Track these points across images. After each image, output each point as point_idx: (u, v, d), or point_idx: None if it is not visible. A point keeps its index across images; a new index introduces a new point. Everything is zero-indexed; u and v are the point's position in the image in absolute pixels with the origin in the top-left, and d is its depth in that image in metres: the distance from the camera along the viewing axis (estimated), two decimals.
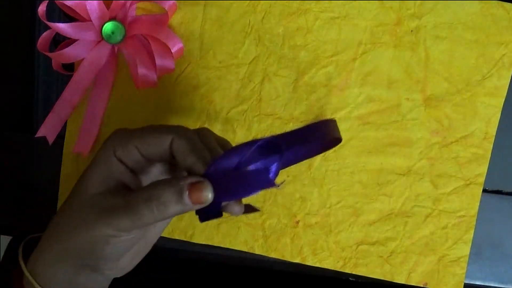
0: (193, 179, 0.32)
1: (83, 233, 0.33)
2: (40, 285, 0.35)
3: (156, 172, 0.37)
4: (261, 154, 0.32)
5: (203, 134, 0.35)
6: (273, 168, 0.31)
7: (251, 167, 0.31)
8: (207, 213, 0.33)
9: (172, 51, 0.43)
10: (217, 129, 0.46)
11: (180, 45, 0.43)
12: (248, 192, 0.31)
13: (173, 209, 0.32)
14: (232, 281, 0.51)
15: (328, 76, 0.45)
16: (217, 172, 0.31)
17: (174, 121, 0.46)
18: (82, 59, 0.43)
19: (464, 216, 0.46)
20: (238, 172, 0.31)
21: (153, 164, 0.36)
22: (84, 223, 0.33)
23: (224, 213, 0.33)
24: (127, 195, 0.33)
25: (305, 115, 0.45)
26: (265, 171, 0.31)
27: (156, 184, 0.32)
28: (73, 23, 0.43)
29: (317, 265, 0.47)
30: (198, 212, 0.33)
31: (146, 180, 0.37)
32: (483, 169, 0.45)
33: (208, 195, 0.31)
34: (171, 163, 0.37)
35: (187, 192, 0.31)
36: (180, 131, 0.33)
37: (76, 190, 0.35)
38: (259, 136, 0.46)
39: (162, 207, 0.31)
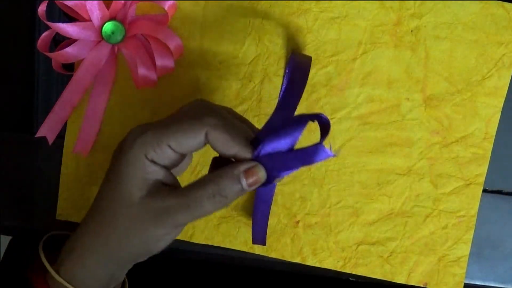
0: (246, 166, 0.33)
1: (136, 237, 0.34)
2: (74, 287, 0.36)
3: (187, 160, 0.38)
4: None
5: (232, 114, 0.36)
6: (323, 139, 0.32)
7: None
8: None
9: (172, 51, 0.43)
10: None
11: (180, 45, 0.43)
12: (304, 166, 0.33)
13: (233, 198, 0.33)
14: (232, 281, 0.51)
15: (328, 76, 0.45)
16: (266, 153, 0.33)
17: None
18: (82, 59, 0.43)
19: (464, 216, 0.46)
20: (291, 150, 0.33)
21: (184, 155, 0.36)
22: (137, 227, 0.34)
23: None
24: (181, 193, 0.33)
25: None
26: (322, 146, 0.32)
27: (214, 179, 0.33)
28: (73, 23, 0.43)
29: (317, 265, 0.47)
30: None
31: (177, 169, 0.37)
32: (483, 169, 0.45)
33: (262, 176, 0.33)
34: None
35: (244, 180, 0.33)
36: (212, 121, 0.33)
37: (114, 196, 0.34)
38: None
39: (223, 199, 0.33)
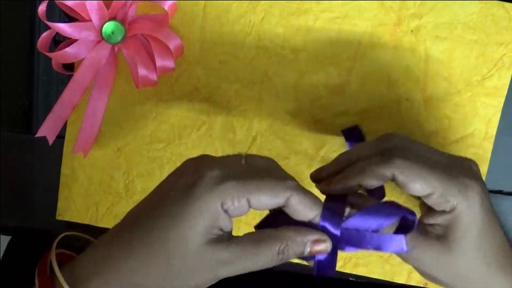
0: (316, 236, 0.33)
1: (181, 281, 0.33)
2: None
3: None
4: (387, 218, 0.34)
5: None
6: (405, 233, 0.33)
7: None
8: (323, 266, 0.35)
9: (172, 51, 0.43)
10: (217, 129, 0.46)
11: (180, 45, 0.43)
12: (372, 250, 0.34)
13: (292, 258, 0.33)
14: (232, 281, 0.51)
15: (328, 76, 0.45)
16: (344, 229, 0.34)
17: (174, 121, 0.46)
18: (82, 59, 0.43)
19: None
20: (370, 233, 0.33)
21: None
22: (189, 273, 0.32)
23: None
24: (247, 248, 0.33)
25: (305, 115, 0.45)
26: (400, 239, 0.33)
27: (283, 240, 0.33)
28: (73, 23, 0.43)
29: None
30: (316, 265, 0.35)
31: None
32: (483, 169, 0.45)
33: (327, 248, 0.33)
34: None
35: (309, 248, 0.33)
36: (295, 184, 0.33)
37: (171, 237, 0.32)
38: (258, 137, 0.46)
39: (285, 257, 0.33)
